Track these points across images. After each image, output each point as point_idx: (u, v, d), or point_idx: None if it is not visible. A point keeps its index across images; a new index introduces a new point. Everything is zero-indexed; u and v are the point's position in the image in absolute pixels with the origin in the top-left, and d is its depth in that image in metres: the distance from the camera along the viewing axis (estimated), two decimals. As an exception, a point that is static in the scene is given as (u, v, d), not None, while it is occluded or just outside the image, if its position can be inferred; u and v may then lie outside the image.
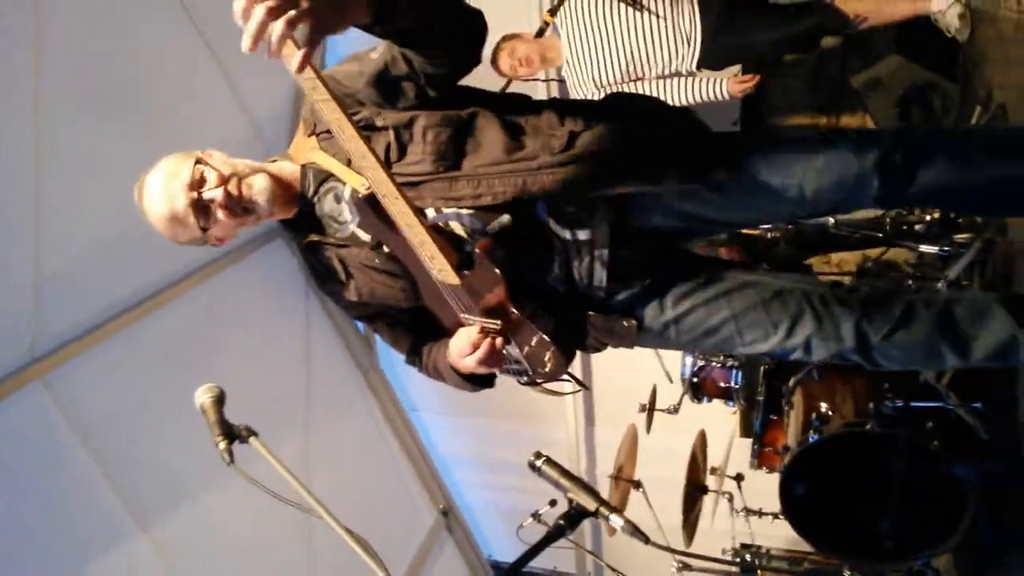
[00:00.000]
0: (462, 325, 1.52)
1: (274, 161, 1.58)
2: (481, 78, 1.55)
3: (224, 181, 1.44)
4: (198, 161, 1.45)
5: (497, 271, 1.39)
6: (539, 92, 3.68)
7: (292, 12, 1.02)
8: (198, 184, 1.43)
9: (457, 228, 1.45)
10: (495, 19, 3.25)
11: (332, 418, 4.44)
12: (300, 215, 1.56)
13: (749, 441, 3.25)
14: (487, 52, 3.12)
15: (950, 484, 2.48)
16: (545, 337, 1.46)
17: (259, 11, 1.00)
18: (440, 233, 1.41)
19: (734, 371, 3.05)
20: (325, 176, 1.51)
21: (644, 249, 1.57)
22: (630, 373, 3.50)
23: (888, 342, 1.50)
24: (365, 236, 1.51)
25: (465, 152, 1.42)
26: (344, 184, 1.47)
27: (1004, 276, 2.50)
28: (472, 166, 1.41)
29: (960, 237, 2.58)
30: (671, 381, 3.19)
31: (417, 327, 1.68)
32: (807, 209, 1.53)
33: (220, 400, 1.41)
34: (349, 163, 1.42)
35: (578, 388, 1.74)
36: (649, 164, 1.45)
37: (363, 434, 4.76)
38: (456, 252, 1.40)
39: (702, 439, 3.23)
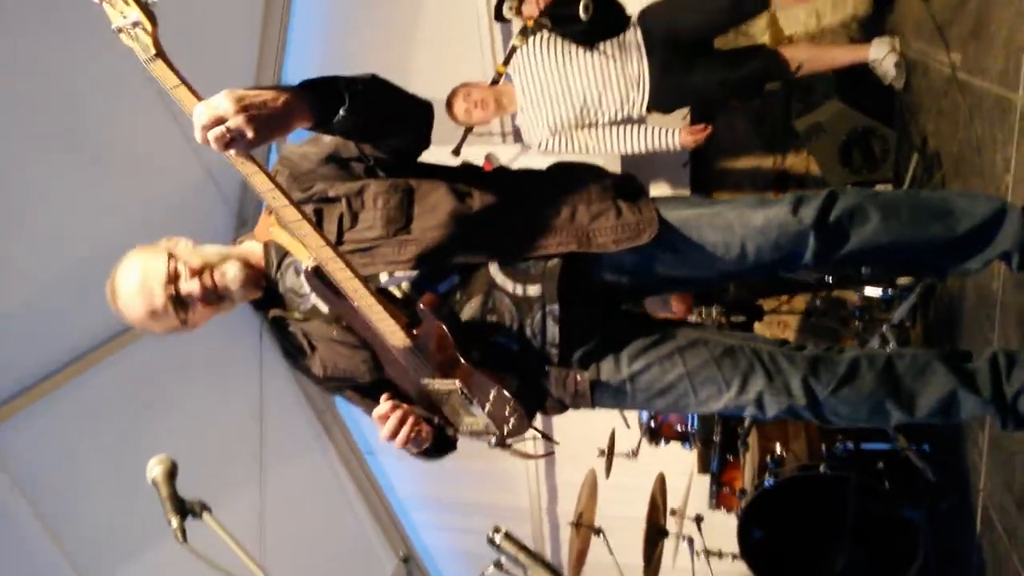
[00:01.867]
0: (423, 391, 1.52)
1: (240, 242, 1.61)
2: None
3: (198, 273, 1.47)
4: (170, 256, 1.48)
5: (440, 323, 1.42)
6: (495, 144, 3.72)
7: (238, 142, 1.21)
8: (174, 278, 1.46)
9: (398, 293, 1.48)
10: (450, 72, 3.31)
11: (287, 461, 4.36)
12: (266, 292, 1.59)
13: (707, 477, 3.29)
14: (442, 99, 3.17)
15: (901, 524, 2.53)
16: (503, 391, 1.46)
17: (213, 145, 1.20)
18: (386, 296, 1.44)
19: (690, 415, 3.08)
20: (285, 252, 1.54)
21: (596, 306, 1.58)
22: (589, 415, 3.51)
23: (835, 397, 1.53)
24: (324, 308, 1.53)
25: (414, 215, 1.48)
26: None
27: (946, 319, 2.58)
28: (421, 228, 1.47)
29: (902, 281, 2.66)
30: (628, 427, 3.21)
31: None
32: (748, 267, 1.56)
33: (172, 473, 1.37)
34: None
35: (549, 449, 1.73)
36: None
37: (319, 478, 4.68)
38: (403, 312, 1.42)
39: (661, 482, 3.24)
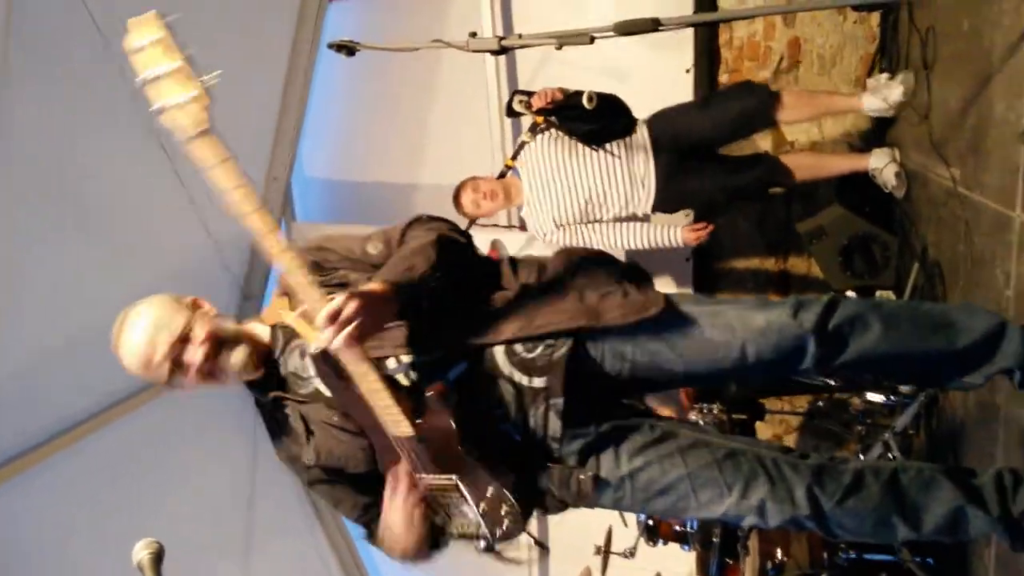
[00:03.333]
0: (419, 486, 1.51)
1: (247, 323, 1.63)
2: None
3: (206, 340, 1.47)
4: (189, 318, 1.48)
5: (448, 413, 1.41)
6: (501, 232, 3.79)
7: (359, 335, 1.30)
8: (183, 339, 1.46)
9: (404, 381, 1.48)
10: (459, 164, 3.41)
11: (275, 541, 4.26)
12: (265, 374, 1.59)
13: (706, 580, 3.19)
14: (450, 187, 3.24)
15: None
16: (503, 489, 1.45)
17: (339, 342, 1.30)
18: (393, 383, 1.43)
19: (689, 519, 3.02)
20: (292, 334, 1.56)
21: (598, 398, 1.58)
22: (585, 511, 3.45)
23: (840, 508, 1.52)
24: (327, 391, 1.53)
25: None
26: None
27: (949, 430, 2.57)
28: (430, 312, 1.48)
29: (904, 389, 2.66)
30: (626, 525, 3.14)
31: (373, 495, 1.66)
32: (748, 368, 1.56)
33: (159, 558, 1.34)
34: None
35: (542, 556, 1.72)
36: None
37: (306, 561, 4.56)
38: (409, 399, 1.42)
39: (658, 583, 3.16)
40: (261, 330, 1.61)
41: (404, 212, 4.66)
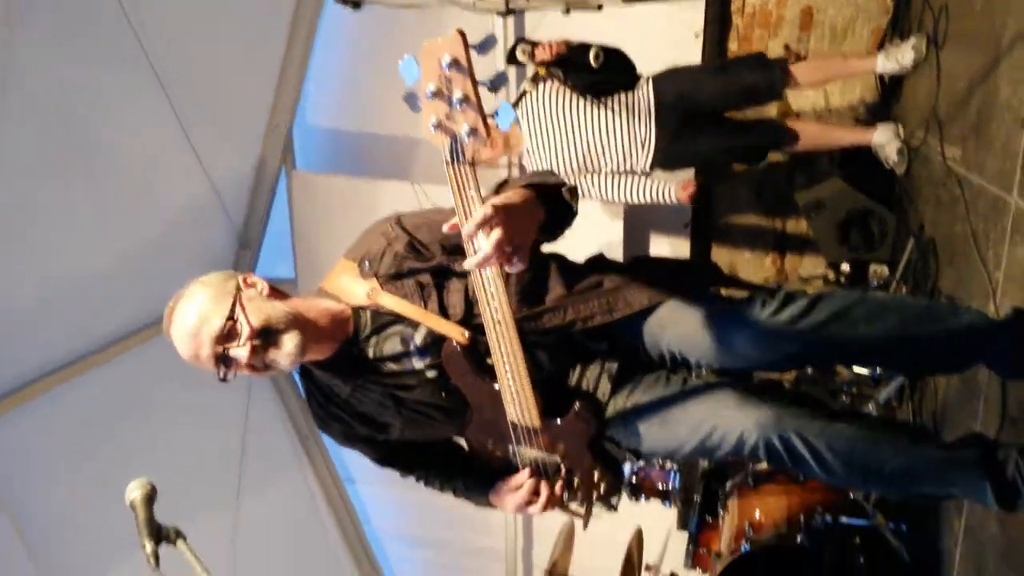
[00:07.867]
0: (507, 457, 1.63)
1: (316, 294, 1.58)
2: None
3: (253, 336, 1.40)
4: (232, 311, 1.40)
5: (593, 427, 1.54)
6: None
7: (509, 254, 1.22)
8: (226, 339, 1.39)
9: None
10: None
11: (266, 482, 4.35)
12: (336, 356, 1.53)
13: (685, 535, 3.30)
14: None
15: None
16: (607, 473, 1.64)
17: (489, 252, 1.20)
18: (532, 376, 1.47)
19: (673, 473, 3.11)
20: (390, 320, 1.54)
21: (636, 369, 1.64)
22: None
23: (833, 428, 1.46)
24: (431, 374, 1.55)
25: (548, 288, 1.55)
26: (413, 328, 1.52)
27: (931, 405, 2.64)
28: (553, 298, 1.54)
29: (890, 363, 2.71)
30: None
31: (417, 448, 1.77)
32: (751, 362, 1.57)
33: (151, 497, 1.37)
34: (425, 307, 1.49)
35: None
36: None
37: (296, 503, 4.67)
38: (542, 398, 1.49)
39: (639, 537, 3.26)
40: (333, 308, 1.53)
41: (404, 165, 4.62)
